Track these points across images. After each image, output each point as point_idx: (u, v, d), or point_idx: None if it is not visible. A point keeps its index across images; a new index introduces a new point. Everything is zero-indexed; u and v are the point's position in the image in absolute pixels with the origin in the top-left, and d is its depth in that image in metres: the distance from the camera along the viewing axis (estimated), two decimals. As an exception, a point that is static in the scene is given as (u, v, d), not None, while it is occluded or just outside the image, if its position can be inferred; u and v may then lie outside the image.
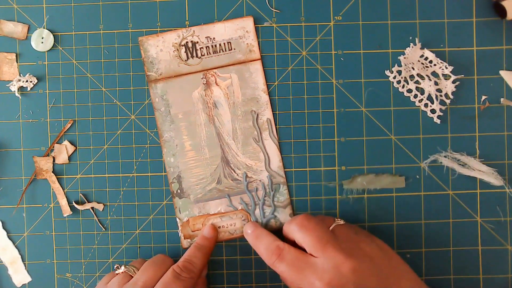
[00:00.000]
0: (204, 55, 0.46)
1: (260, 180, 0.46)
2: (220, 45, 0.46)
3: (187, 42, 0.46)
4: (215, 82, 0.46)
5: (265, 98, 0.46)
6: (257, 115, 0.46)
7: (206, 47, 0.46)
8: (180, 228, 0.46)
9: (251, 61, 0.46)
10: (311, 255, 0.38)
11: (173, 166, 0.46)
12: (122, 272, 0.41)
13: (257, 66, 0.46)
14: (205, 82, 0.46)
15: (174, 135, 0.46)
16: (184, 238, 0.46)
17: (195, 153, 0.46)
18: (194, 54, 0.46)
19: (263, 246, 0.41)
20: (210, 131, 0.46)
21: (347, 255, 0.37)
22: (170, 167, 0.46)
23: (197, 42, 0.46)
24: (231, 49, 0.46)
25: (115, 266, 0.42)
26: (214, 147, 0.46)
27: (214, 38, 0.46)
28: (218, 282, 0.46)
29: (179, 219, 0.46)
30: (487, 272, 0.46)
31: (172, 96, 0.46)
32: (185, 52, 0.46)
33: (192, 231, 0.46)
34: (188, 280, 0.40)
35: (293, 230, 0.40)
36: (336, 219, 0.42)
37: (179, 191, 0.46)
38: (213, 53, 0.46)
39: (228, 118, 0.46)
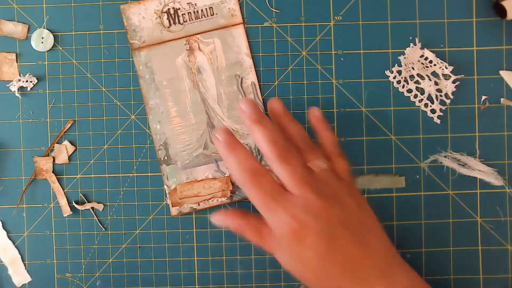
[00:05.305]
0: (186, 21, 0.46)
1: (247, 144, 0.46)
2: (202, 10, 0.46)
3: (168, 8, 0.46)
4: (198, 47, 0.46)
5: (248, 61, 0.46)
6: (241, 79, 0.46)
7: (188, 13, 0.46)
8: (168, 196, 0.46)
9: (233, 25, 0.46)
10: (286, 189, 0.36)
11: (159, 133, 0.46)
12: None
13: (240, 30, 0.46)
14: (188, 48, 0.46)
15: (159, 102, 0.46)
16: (172, 206, 0.46)
17: (181, 119, 0.46)
18: (177, 21, 0.46)
19: (237, 160, 0.37)
20: (195, 97, 0.46)
21: (320, 196, 0.35)
22: (156, 134, 0.46)
23: (179, 9, 0.46)
24: (213, 14, 0.46)
25: None
26: (199, 113, 0.46)
27: (195, 4, 0.46)
28: (218, 282, 0.46)
29: (167, 186, 0.46)
30: (487, 272, 0.46)
31: (156, 63, 0.46)
32: (167, 18, 0.46)
33: (180, 199, 0.45)
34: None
35: (270, 159, 0.37)
36: (319, 160, 0.39)
37: (166, 158, 0.46)
38: (195, 19, 0.46)
39: (212, 83, 0.46)
